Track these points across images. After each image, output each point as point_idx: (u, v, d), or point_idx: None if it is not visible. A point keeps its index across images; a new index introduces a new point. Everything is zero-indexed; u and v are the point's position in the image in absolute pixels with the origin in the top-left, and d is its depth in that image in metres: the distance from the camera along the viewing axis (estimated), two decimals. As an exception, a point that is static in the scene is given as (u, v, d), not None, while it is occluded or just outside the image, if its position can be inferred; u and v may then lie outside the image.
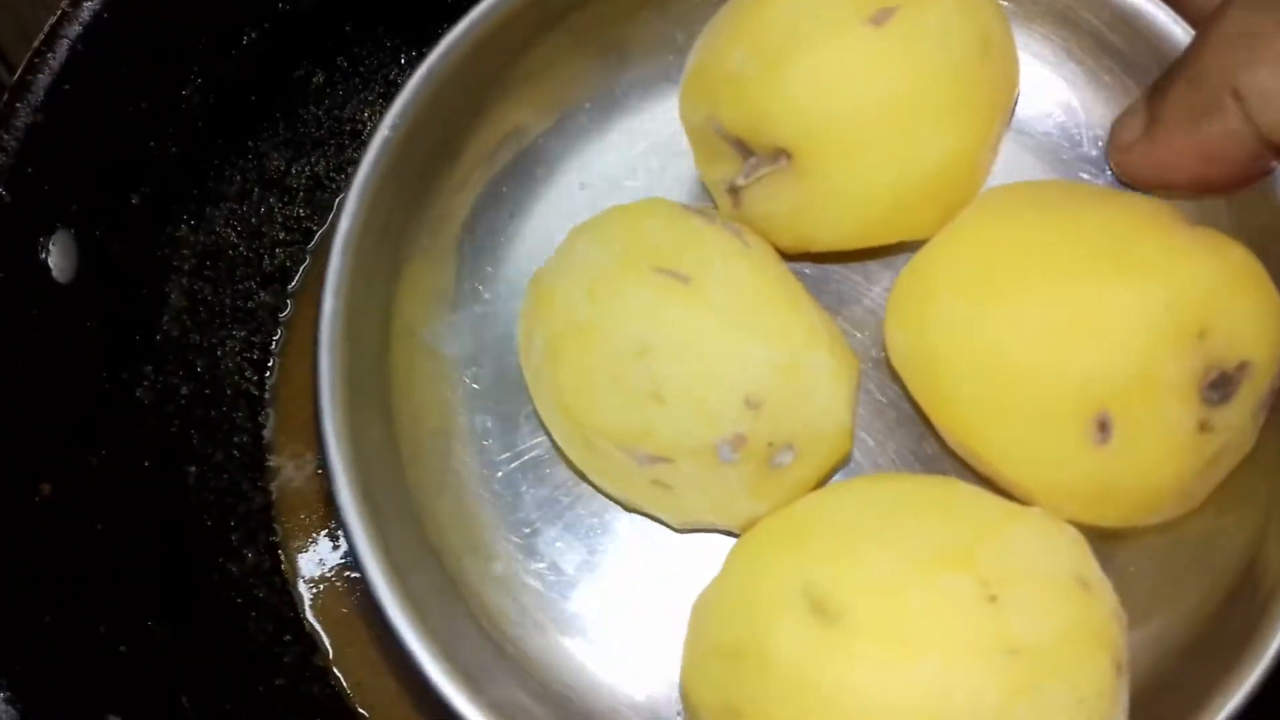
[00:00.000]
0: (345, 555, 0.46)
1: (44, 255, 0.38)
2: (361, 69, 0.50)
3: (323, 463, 0.34)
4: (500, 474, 0.38)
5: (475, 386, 0.39)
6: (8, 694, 0.33)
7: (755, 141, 0.34)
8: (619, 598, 0.37)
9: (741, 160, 0.35)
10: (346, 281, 0.35)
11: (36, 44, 0.38)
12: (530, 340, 0.35)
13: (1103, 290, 0.30)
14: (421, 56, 0.50)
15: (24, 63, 0.38)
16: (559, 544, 0.37)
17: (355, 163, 0.50)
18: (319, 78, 0.49)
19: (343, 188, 0.50)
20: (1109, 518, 0.33)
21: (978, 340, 0.32)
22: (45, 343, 0.39)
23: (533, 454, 0.38)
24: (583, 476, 0.37)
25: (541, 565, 0.37)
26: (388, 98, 0.51)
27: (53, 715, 0.34)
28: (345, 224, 0.36)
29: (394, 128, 0.36)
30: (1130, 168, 0.35)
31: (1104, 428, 0.30)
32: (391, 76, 0.51)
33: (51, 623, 0.36)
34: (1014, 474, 0.33)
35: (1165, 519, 0.33)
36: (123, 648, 0.38)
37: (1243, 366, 0.31)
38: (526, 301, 0.36)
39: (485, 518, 0.38)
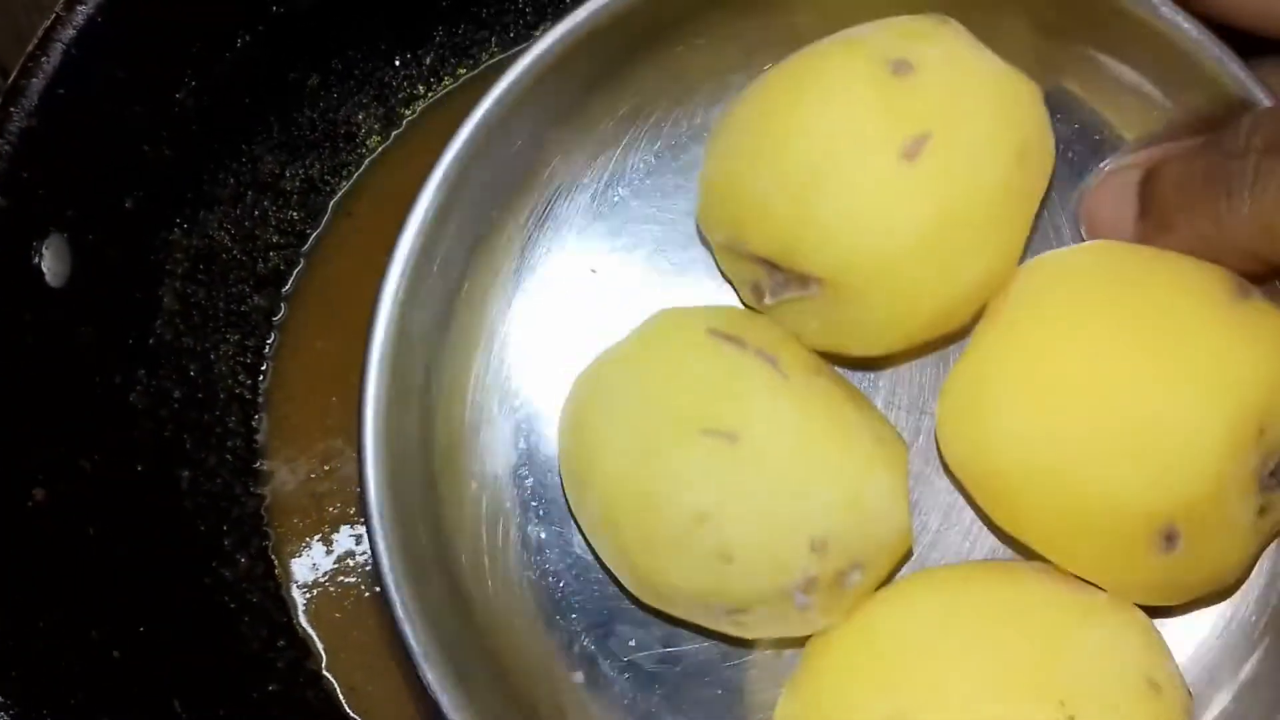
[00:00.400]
0: (338, 560, 0.46)
1: (37, 259, 0.38)
2: (356, 72, 0.50)
3: (385, 604, 0.33)
4: (562, 583, 0.37)
5: (521, 502, 0.38)
6: (4, 699, 0.33)
7: (784, 266, 0.33)
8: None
9: (767, 271, 0.34)
10: (384, 421, 0.35)
11: (31, 48, 0.38)
12: (582, 495, 0.34)
13: (1166, 402, 0.30)
14: (416, 59, 0.51)
15: (18, 67, 0.38)
16: (631, 641, 0.37)
17: (349, 165, 0.51)
18: (313, 80, 0.49)
19: (336, 190, 0.51)
20: (1173, 602, 0.33)
21: (1040, 458, 0.31)
22: (38, 347, 0.39)
23: (589, 557, 0.37)
24: (644, 608, 0.36)
25: (620, 663, 0.37)
26: (381, 100, 0.51)
27: (47, 721, 0.34)
28: (374, 364, 0.35)
29: (413, 247, 0.35)
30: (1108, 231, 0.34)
31: (1171, 539, 0.30)
32: (385, 79, 0.51)
33: (46, 627, 0.36)
34: (1078, 571, 0.33)
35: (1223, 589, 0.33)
36: (116, 652, 0.38)
37: None
38: (568, 446, 0.35)
39: (553, 632, 0.37)
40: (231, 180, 0.48)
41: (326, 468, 0.47)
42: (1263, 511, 0.31)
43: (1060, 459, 0.30)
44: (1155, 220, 0.32)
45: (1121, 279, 0.32)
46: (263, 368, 0.48)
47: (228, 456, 0.47)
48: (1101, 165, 0.36)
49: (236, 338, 0.48)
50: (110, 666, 0.38)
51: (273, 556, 0.46)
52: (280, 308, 0.49)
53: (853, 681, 0.32)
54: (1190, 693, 0.32)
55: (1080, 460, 0.30)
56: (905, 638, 0.31)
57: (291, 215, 0.50)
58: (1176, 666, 0.32)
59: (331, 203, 0.50)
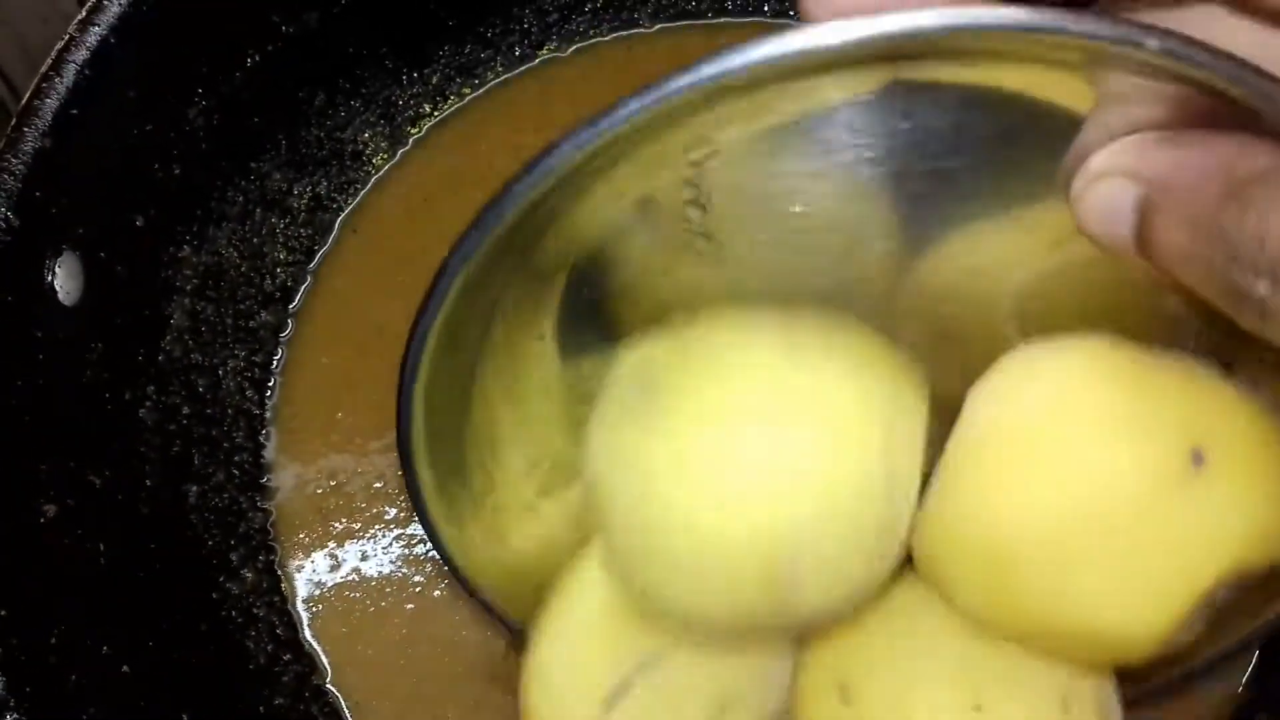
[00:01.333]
0: (344, 575, 0.46)
1: (50, 278, 0.39)
2: (363, 91, 0.51)
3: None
4: None
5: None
6: (18, 716, 0.33)
7: None
8: None
9: None
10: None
11: (44, 69, 0.39)
12: None
13: (1104, 612, 0.30)
14: (422, 79, 0.51)
15: (32, 87, 0.39)
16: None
17: (356, 183, 0.51)
18: (320, 99, 0.50)
19: (343, 208, 0.51)
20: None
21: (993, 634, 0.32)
22: (51, 364, 0.39)
23: None
24: None
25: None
26: (388, 119, 0.51)
27: (59, 736, 0.35)
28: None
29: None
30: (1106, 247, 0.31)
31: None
32: (392, 98, 0.51)
33: (57, 642, 0.36)
34: None
35: None
36: (126, 667, 0.39)
37: (1245, 574, 0.30)
38: None
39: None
40: (240, 198, 0.48)
41: (333, 483, 0.47)
42: (1220, 610, 0.31)
43: (1008, 637, 0.32)
44: (1158, 264, 0.29)
45: (1065, 455, 0.30)
46: (270, 383, 0.49)
47: (235, 472, 0.47)
48: (1083, 143, 0.30)
49: (244, 354, 0.48)
50: (120, 680, 0.38)
51: (279, 571, 0.46)
52: (288, 324, 0.49)
53: (810, 650, 0.35)
54: (1104, 714, 0.33)
55: (1026, 639, 0.31)
56: (858, 616, 0.34)
57: (299, 232, 0.50)
58: (1104, 686, 0.33)
59: (339, 220, 0.51)
